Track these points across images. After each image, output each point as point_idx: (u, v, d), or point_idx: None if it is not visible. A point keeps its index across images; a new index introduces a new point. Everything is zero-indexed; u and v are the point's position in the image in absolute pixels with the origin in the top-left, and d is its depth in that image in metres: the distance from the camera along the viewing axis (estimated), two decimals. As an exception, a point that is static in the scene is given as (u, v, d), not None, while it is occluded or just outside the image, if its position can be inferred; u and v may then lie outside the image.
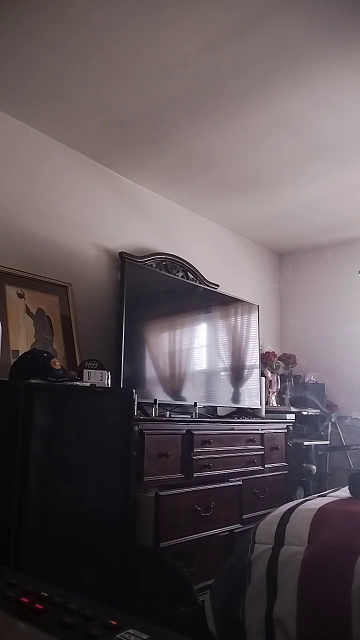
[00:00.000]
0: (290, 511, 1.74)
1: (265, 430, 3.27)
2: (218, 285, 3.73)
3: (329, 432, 4.14)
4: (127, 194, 3.35)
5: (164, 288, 3.22)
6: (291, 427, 3.58)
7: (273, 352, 4.13)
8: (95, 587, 1.74)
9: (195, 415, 2.88)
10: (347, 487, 2.07)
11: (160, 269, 3.29)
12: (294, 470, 3.52)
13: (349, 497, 1.99)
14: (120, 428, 2.04)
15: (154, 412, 2.66)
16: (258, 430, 3.22)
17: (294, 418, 3.66)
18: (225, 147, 2.97)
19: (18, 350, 2.41)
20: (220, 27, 2.04)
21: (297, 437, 3.73)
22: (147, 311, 3.04)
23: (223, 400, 3.46)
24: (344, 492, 2.09)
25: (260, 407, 3.62)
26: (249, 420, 3.36)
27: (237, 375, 3.60)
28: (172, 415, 2.78)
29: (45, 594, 0.69)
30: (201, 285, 3.56)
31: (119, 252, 3.08)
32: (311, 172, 3.26)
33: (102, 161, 3.15)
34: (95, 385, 2.18)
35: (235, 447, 2.97)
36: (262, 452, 3.20)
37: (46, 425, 1.76)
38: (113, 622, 0.60)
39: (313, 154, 3.03)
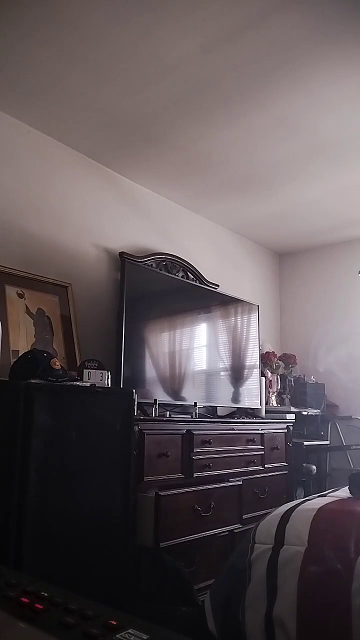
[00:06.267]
0: (290, 511, 1.74)
1: (265, 430, 3.27)
2: (218, 285, 3.73)
3: (329, 432, 4.15)
4: (126, 193, 3.35)
5: (164, 288, 3.22)
6: (291, 427, 3.58)
7: (273, 352, 4.13)
8: (95, 587, 1.74)
9: (195, 415, 2.88)
10: (347, 487, 2.07)
11: (160, 269, 3.29)
12: (294, 470, 3.52)
13: (349, 497, 1.99)
14: (120, 428, 2.03)
15: (154, 412, 2.66)
16: (258, 430, 3.22)
17: (294, 418, 3.66)
18: (225, 146, 2.96)
19: (18, 350, 2.41)
20: (220, 27, 2.04)
21: (297, 437, 3.73)
22: (147, 311, 3.04)
23: (223, 400, 3.46)
24: (344, 492, 2.09)
25: (260, 407, 3.62)
26: (249, 420, 3.35)
27: (237, 375, 3.60)
28: (172, 415, 2.77)
29: (45, 594, 0.69)
30: (201, 285, 3.56)
31: (119, 252, 3.08)
32: (310, 172, 3.26)
33: (102, 161, 3.15)
34: (95, 385, 2.18)
35: (235, 447, 2.97)
36: (262, 452, 3.20)
37: (46, 425, 1.76)
38: (113, 622, 0.60)
39: (312, 154, 3.03)
